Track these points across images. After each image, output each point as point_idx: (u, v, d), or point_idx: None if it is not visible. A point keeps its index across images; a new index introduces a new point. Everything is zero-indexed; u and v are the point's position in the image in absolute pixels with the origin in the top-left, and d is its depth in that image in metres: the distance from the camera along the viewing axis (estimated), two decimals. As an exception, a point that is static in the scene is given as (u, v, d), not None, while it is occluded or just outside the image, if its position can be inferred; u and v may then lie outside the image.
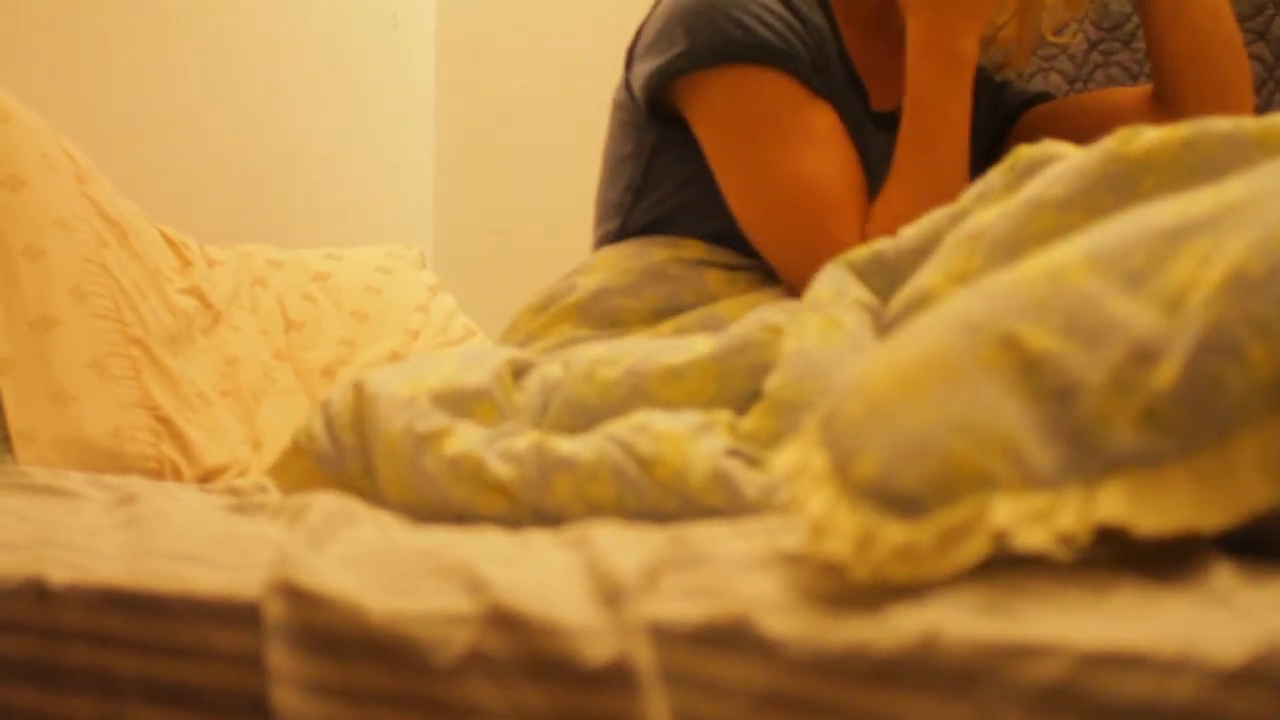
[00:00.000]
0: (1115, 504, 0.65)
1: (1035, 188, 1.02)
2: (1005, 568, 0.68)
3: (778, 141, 1.37)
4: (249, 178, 2.57)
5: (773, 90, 1.38)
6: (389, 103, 2.93)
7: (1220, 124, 0.95)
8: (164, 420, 1.78)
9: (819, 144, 1.37)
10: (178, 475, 1.76)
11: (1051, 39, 1.71)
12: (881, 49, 1.52)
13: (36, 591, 0.92)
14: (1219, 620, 0.60)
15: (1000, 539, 0.66)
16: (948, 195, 1.19)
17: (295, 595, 0.80)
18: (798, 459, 0.75)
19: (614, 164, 1.54)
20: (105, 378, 1.75)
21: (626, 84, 1.52)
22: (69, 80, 2.24)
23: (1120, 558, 0.70)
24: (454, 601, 0.77)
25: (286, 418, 1.95)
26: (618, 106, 1.54)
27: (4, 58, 2.11)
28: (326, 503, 1.05)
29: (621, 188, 1.51)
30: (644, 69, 1.44)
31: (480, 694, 0.73)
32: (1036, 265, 0.77)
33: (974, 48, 1.37)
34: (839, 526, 0.68)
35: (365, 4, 2.86)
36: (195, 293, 2.01)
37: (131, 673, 0.88)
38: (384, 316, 2.25)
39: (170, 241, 2.04)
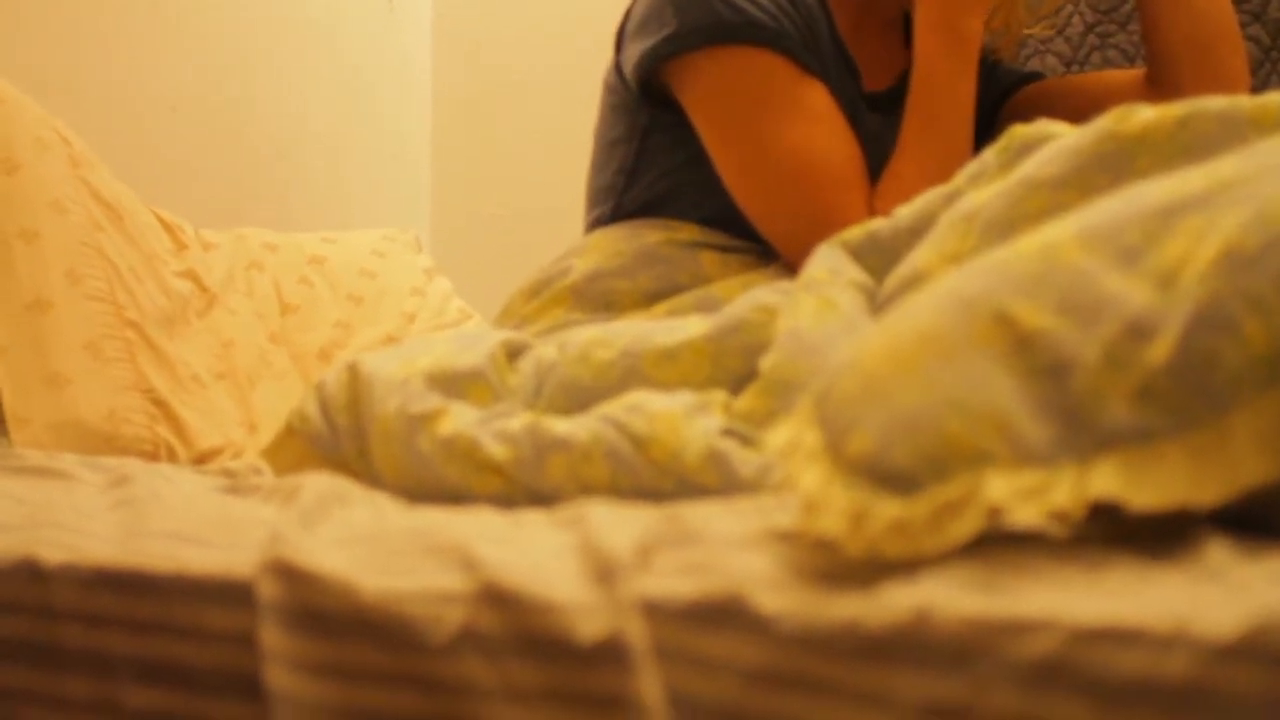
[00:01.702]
0: (1109, 480, 0.65)
1: (1029, 167, 1.02)
2: (998, 544, 0.68)
3: (775, 119, 1.37)
4: (245, 161, 2.57)
5: (766, 69, 1.37)
6: (386, 86, 2.93)
7: (1215, 103, 0.95)
8: (159, 403, 1.78)
9: (816, 120, 1.37)
10: (173, 457, 1.76)
11: (1027, 31, 1.71)
12: (872, 30, 1.52)
13: (30, 572, 0.92)
14: (1213, 596, 0.60)
15: (994, 515, 0.66)
16: (955, 170, 1.19)
17: (288, 574, 0.80)
18: (791, 436, 0.75)
19: (605, 147, 1.53)
20: (100, 360, 1.75)
21: (616, 66, 1.51)
22: (64, 64, 2.23)
23: (1114, 534, 0.69)
24: (447, 580, 0.77)
25: (282, 400, 1.95)
26: (608, 89, 1.54)
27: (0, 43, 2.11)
28: (320, 484, 1.05)
29: (613, 171, 1.51)
30: (634, 51, 1.44)
31: (473, 672, 0.73)
32: (1030, 243, 0.76)
33: (979, 26, 1.37)
34: (832, 503, 0.68)
35: (362, -12, 2.86)
36: (190, 275, 2.00)
37: (125, 652, 0.88)
38: (379, 300, 2.25)
39: (166, 225, 2.03)
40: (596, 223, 1.53)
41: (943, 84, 1.37)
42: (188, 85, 2.46)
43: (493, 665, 0.73)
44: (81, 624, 0.90)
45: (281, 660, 0.78)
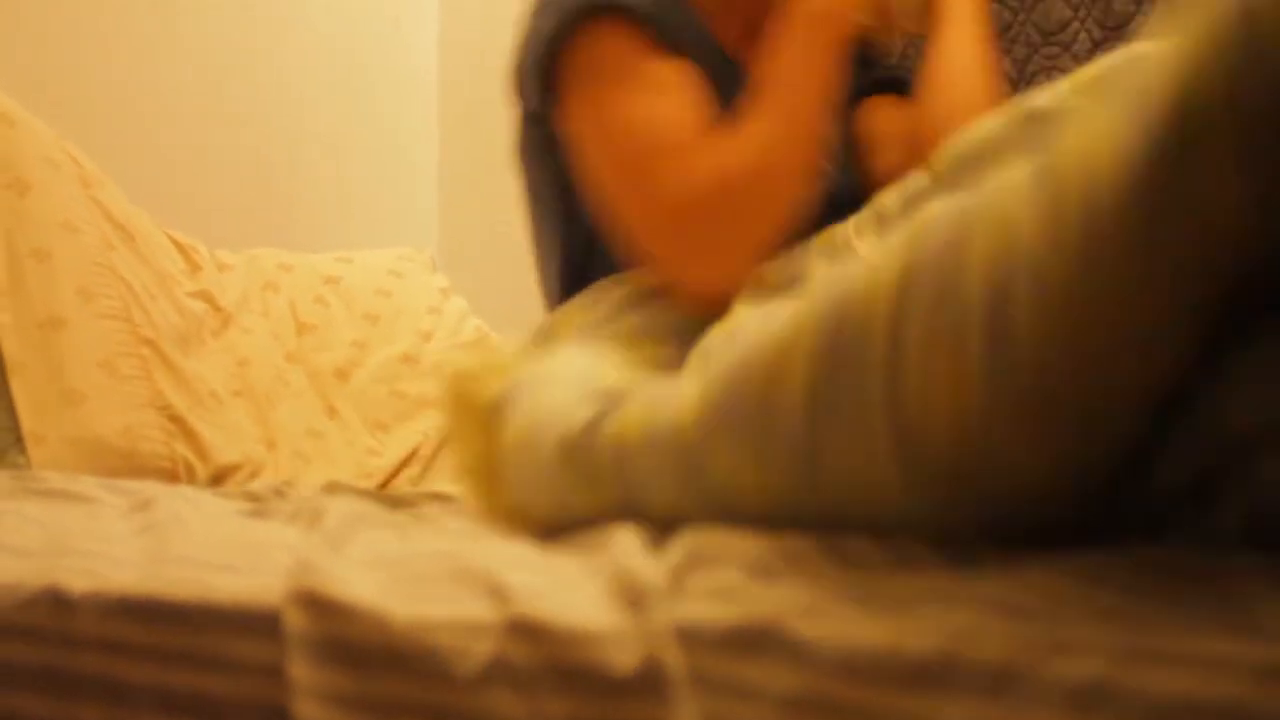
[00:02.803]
0: None
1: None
2: (1033, 569, 0.67)
3: (622, 100, 1.27)
4: (254, 181, 2.57)
5: (614, 48, 1.28)
6: (393, 105, 2.93)
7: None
8: (176, 419, 1.78)
9: (663, 91, 1.27)
10: (191, 473, 1.76)
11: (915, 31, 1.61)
12: (763, 37, 1.42)
13: (54, 600, 0.92)
14: (1247, 618, 0.59)
15: None
16: (801, 137, 1.20)
17: (316, 604, 0.79)
18: None
19: (542, 222, 1.42)
20: (116, 377, 1.75)
21: (523, 118, 1.40)
22: (75, 86, 2.23)
23: (1148, 558, 0.69)
24: (476, 609, 0.76)
25: (298, 420, 1.95)
26: (521, 153, 1.43)
27: (7, 63, 2.11)
28: (343, 505, 1.04)
29: (557, 247, 1.39)
30: (524, 100, 1.36)
31: (503, 704, 0.72)
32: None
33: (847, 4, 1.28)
34: None
35: (368, 6, 2.86)
36: (204, 296, 2.01)
37: (145, 681, 0.87)
38: (395, 319, 2.25)
39: (179, 246, 2.03)
40: (557, 290, 1.40)
41: (800, 57, 1.26)
42: (197, 107, 2.46)
43: (522, 697, 0.72)
44: (102, 652, 0.90)
45: (310, 692, 0.77)
